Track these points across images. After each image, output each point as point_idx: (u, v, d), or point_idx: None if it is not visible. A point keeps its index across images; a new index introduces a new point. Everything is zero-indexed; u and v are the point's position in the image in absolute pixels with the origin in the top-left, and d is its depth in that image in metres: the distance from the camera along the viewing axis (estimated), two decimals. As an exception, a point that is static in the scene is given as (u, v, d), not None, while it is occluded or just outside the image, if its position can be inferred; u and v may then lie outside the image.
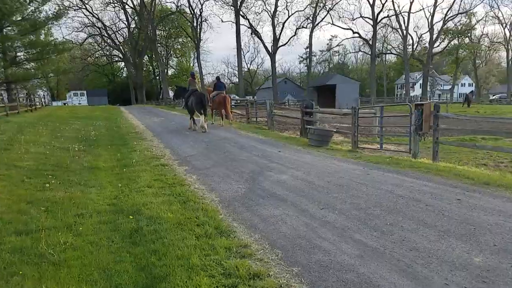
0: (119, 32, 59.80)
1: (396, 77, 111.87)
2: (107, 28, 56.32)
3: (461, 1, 56.16)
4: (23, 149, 9.79)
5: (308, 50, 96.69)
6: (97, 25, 55.65)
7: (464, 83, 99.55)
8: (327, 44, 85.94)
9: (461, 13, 58.87)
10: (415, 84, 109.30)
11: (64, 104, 58.32)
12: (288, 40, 55.47)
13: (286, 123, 20.01)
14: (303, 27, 54.43)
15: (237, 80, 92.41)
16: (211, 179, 6.81)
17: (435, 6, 57.91)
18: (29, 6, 25.78)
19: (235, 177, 6.93)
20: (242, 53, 51.03)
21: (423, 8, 60.14)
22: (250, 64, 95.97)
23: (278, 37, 53.20)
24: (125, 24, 57.44)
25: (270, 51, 54.02)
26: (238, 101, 29.47)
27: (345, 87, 44.80)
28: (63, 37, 40.05)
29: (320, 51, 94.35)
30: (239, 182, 6.50)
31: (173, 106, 37.81)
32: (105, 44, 61.96)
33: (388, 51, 67.21)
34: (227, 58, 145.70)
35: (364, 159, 8.57)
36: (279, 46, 53.95)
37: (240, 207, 5.06)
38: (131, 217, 4.54)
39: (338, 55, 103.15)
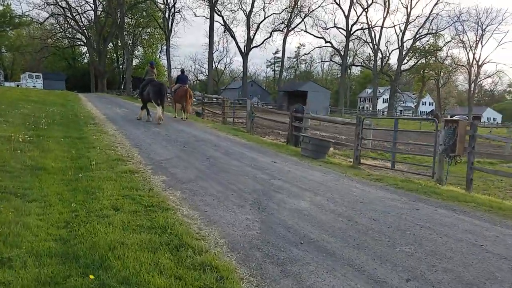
0: (84, 14, 55.94)
1: (358, 90, 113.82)
2: (72, 9, 52.37)
3: (431, 22, 57.08)
4: None
5: (275, 55, 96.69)
6: (61, 5, 51.59)
7: (425, 102, 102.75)
8: (295, 51, 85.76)
9: (430, 34, 60.17)
10: (378, 98, 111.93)
11: (18, 86, 53.67)
12: (263, 42, 54.25)
13: (265, 126, 18.40)
14: (278, 30, 53.23)
15: (204, 77, 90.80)
16: (202, 200, 5.06)
17: (406, 23, 58.85)
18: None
19: (235, 199, 5.21)
20: (213, 50, 48.86)
21: (395, 25, 59.93)
22: (218, 63, 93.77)
23: (252, 37, 51.69)
24: (91, 7, 53.75)
25: (243, 51, 52.36)
26: (211, 99, 27.61)
27: (316, 95, 44.01)
28: (22, 13, 36.15)
29: (288, 57, 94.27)
30: (244, 209, 4.79)
31: (136, 97, 35.29)
32: (68, 26, 57.70)
33: (359, 64, 67.40)
34: (194, 54, 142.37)
35: (388, 182, 7.09)
36: (252, 47, 52.51)
37: (270, 266, 3.23)
38: (91, 276, 2.69)
39: (305, 63, 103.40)
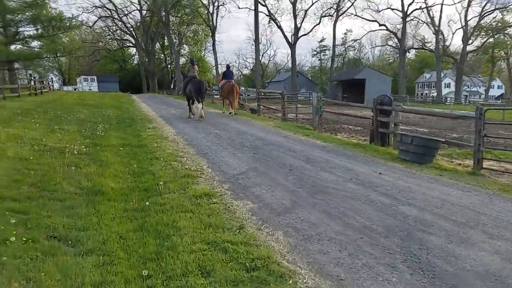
0: (130, 15, 56.48)
1: (414, 76, 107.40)
2: (118, 10, 52.99)
3: None
4: (-5, 152, 6.65)
5: (321, 43, 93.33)
6: (107, 7, 52.36)
7: (493, 85, 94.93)
8: (342, 38, 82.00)
9: (497, 9, 54.55)
10: (436, 84, 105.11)
11: (75, 89, 55.47)
12: (312, 29, 52.10)
13: (330, 121, 16.56)
14: (328, 15, 50.60)
15: (247, 72, 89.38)
16: (324, 252, 3.48)
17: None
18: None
19: (372, 249, 3.58)
20: (259, 41, 47.32)
21: (455, 3, 54.76)
22: (262, 56, 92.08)
23: (299, 26, 49.55)
24: (136, 7, 54.07)
25: (291, 41, 50.37)
26: (267, 94, 26.17)
27: (375, 83, 40.95)
28: (72, 15, 36.72)
29: (335, 45, 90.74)
30: (402, 275, 3.19)
31: (181, 95, 34.62)
32: (116, 27, 58.75)
33: (419, 47, 62.86)
34: (238, 49, 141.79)
35: None
36: (300, 36, 50.34)
37: None
38: None
39: (353, 49, 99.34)
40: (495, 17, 55.77)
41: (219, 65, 52.68)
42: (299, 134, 11.98)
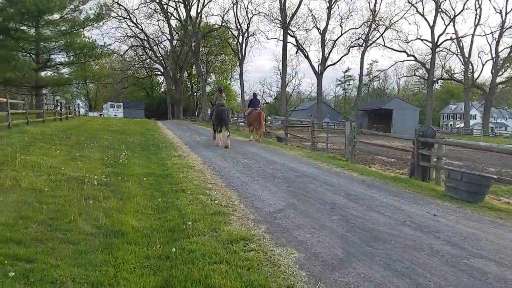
0: (161, 45, 57.80)
1: (439, 107, 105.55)
2: (150, 40, 54.27)
3: None
4: (9, 181, 6.10)
5: (346, 73, 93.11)
6: (139, 37, 53.75)
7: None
8: (367, 69, 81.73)
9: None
10: (463, 115, 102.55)
11: (100, 115, 56.41)
12: (340, 59, 51.74)
13: (362, 151, 15.66)
14: (357, 45, 50.30)
15: (271, 100, 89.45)
16: None
17: (501, 30, 52.52)
18: (68, 4, 23.09)
19: None
20: (286, 70, 47.24)
21: (486, 34, 53.38)
22: (287, 85, 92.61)
23: (327, 56, 49.31)
24: (167, 37, 55.30)
25: (317, 70, 50.10)
26: (294, 122, 25.53)
27: (403, 113, 39.88)
28: (104, 43, 37.68)
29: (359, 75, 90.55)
30: None
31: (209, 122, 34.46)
32: (146, 56, 60.13)
33: (448, 77, 61.60)
34: (263, 78, 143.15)
35: None
36: (328, 66, 50.00)
37: None
38: None
39: (378, 80, 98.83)
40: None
41: (244, 93, 52.80)
42: (332, 165, 11.15)
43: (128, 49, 54.99)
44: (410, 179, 9.79)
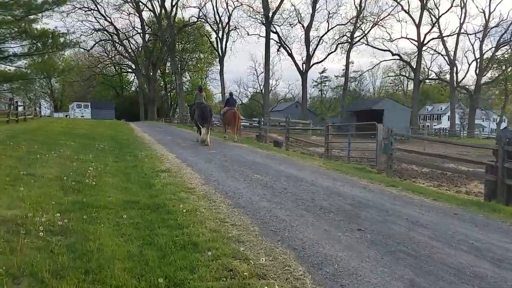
0: (132, 40, 53.57)
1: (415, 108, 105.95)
2: (120, 33, 49.95)
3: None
4: None
5: (322, 74, 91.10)
6: (108, 30, 49.41)
7: (496, 119, 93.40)
8: (342, 70, 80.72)
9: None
10: (441, 116, 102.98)
11: (66, 116, 51.92)
12: (327, 56, 49.23)
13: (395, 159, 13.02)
14: (345, 42, 48.00)
15: (246, 100, 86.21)
16: None
17: (485, 30, 51.71)
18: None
19: None
20: (269, 68, 44.47)
21: (468, 34, 52.22)
22: (263, 85, 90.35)
23: (311, 53, 46.86)
24: (137, 31, 51.11)
25: (302, 69, 47.60)
26: (295, 124, 22.77)
27: (394, 114, 37.92)
28: (67, 30, 32.96)
29: (336, 76, 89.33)
30: None
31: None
32: (116, 52, 55.66)
33: (435, 77, 60.62)
34: (239, 78, 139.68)
35: None
36: (313, 64, 47.62)
37: None
38: None
39: (354, 81, 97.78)
40: (508, 49, 53.82)
41: (225, 92, 49.66)
42: (375, 182, 8.43)
43: (95, 44, 50.43)
44: (490, 203, 7.18)
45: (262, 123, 19.53)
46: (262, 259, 3.71)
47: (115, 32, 49.63)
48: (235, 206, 5.74)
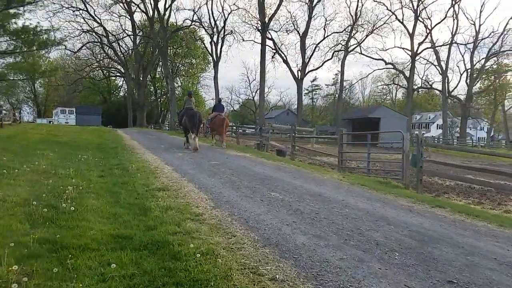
0: (122, 43, 51.57)
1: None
2: (110, 35, 47.93)
3: (503, 38, 48.94)
4: None
5: (313, 83, 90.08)
6: (97, 32, 47.38)
7: (483, 127, 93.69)
8: (333, 79, 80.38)
9: (505, 51, 52.04)
10: (429, 124, 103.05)
11: (49, 122, 49.73)
12: (322, 64, 48.21)
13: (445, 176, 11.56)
14: (342, 50, 47.01)
15: (238, 107, 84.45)
16: None
17: (475, 41, 51.48)
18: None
19: None
20: (265, 74, 42.92)
21: (458, 44, 51.78)
22: (255, 93, 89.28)
23: (307, 61, 45.66)
24: (127, 33, 49.24)
25: (297, 76, 46.34)
26: (301, 132, 21.36)
27: (391, 122, 36.88)
28: (52, 26, 30.77)
29: (326, 85, 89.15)
30: None
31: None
32: (105, 55, 53.52)
33: (428, 86, 60.16)
34: (231, 85, 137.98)
35: None
36: (309, 71, 46.41)
37: None
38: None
39: (345, 90, 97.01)
40: (497, 60, 53.78)
41: (211, 100, 48.32)
42: (416, 202, 6.99)
43: (83, 45, 48.24)
44: None
45: (264, 130, 18.04)
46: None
47: (105, 34, 47.59)
48: (264, 243, 4.23)
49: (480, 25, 51.40)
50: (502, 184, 9.08)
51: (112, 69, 59.65)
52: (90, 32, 46.47)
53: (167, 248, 3.97)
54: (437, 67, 52.02)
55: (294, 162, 13.14)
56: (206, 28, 43.82)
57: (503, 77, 54.75)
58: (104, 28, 46.60)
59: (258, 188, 7.42)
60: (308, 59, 45.67)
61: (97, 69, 59.10)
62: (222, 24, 43.48)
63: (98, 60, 55.08)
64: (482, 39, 51.29)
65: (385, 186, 9.02)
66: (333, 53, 47.61)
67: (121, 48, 52.13)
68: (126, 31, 48.71)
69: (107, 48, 50.58)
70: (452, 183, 11.39)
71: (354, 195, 7.34)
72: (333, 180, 9.21)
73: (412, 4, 48.18)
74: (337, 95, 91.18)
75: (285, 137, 21.97)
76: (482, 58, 53.18)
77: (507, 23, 51.98)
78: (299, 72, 46.11)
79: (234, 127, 28.40)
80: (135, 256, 3.73)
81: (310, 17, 43.65)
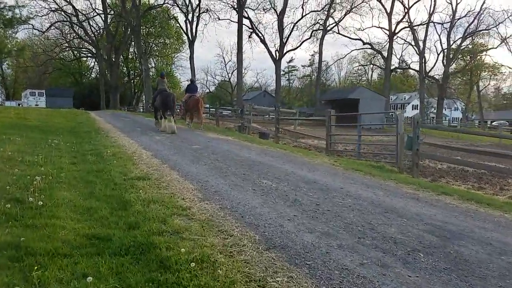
0: (93, 22, 49.24)
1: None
2: (79, 14, 45.62)
3: (478, 18, 49.14)
4: None
5: (290, 64, 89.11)
6: (66, 11, 44.93)
7: (457, 107, 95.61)
8: (309, 60, 79.76)
9: (479, 31, 52.46)
10: (405, 105, 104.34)
11: (19, 105, 47.39)
12: (301, 43, 47.39)
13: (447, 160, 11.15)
14: (320, 29, 46.30)
15: (213, 89, 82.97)
16: None
17: (452, 21, 51.60)
18: None
19: None
20: (242, 55, 41.96)
21: (435, 24, 51.78)
22: (231, 74, 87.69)
23: (285, 40, 44.80)
24: (98, 12, 46.93)
25: (275, 56, 45.50)
26: (286, 114, 20.74)
27: (369, 103, 36.68)
28: (16, 2, 28.53)
29: (302, 66, 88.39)
30: None
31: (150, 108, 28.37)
32: (75, 35, 51.02)
33: (406, 66, 60.28)
34: (207, 66, 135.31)
35: None
36: (287, 51, 45.63)
37: None
38: None
39: (322, 71, 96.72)
40: (473, 40, 54.14)
41: (186, 82, 46.90)
42: (420, 190, 6.55)
43: (51, 25, 45.74)
44: None
45: (246, 112, 17.35)
46: None
47: (74, 13, 45.23)
48: (268, 245, 3.64)
49: (457, 4, 51.09)
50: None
51: (83, 49, 57.10)
52: (59, 11, 44.03)
53: (153, 252, 3.35)
54: (415, 47, 52.07)
55: (279, 145, 12.59)
56: (180, 6, 42.25)
57: (479, 57, 55.19)
58: (73, 7, 44.28)
59: (248, 175, 6.82)
60: (286, 38, 44.87)
61: (67, 49, 56.37)
62: (197, 2, 41.94)
63: (68, 40, 52.51)
64: (459, 18, 51.25)
65: (379, 170, 8.58)
66: (311, 32, 46.87)
67: (92, 27, 49.87)
68: (97, 10, 46.50)
69: (77, 27, 48.21)
70: (445, 166, 11.09)
71: (352, 182, 6.84)
72: (326, 165, 8.71)
73: (390, -19, 47.67)
74: (314, 76, 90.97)
75: (267, 119, 21.35)
76: (459, 38, 53.43)
77: (483, 2, 52.25)
78: (277, 52, 45.25)
79: (213, 109, 27.53)
80: (115, 264, 3.09)
81: (287, -7, 42.63)
